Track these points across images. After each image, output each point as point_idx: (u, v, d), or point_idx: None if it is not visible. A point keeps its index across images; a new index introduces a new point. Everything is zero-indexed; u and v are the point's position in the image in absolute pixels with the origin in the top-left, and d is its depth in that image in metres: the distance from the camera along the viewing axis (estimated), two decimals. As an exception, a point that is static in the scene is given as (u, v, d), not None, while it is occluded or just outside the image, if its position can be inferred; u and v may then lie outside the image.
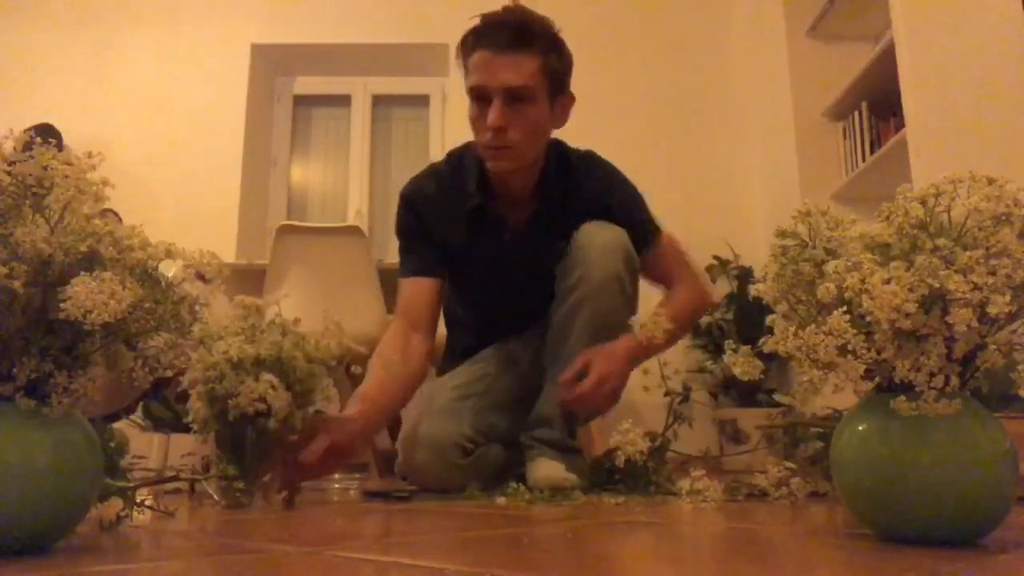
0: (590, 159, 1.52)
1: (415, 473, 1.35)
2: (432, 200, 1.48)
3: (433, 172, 1.53)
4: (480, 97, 1.37)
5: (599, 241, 1.38)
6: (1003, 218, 0.55)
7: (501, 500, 1.09)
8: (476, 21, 1.38)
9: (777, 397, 0.69)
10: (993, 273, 0.53)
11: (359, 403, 1.26)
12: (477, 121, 1.39)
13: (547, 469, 1.28)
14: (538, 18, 1.38)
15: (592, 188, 1.48)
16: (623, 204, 1.48)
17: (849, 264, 0.57)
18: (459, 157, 1.52)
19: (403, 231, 1.52)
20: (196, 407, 1.01)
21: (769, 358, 0.68)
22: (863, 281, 0.55)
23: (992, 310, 0.52)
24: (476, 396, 1.44)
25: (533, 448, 1.35)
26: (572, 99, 1.45)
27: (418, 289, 1.47)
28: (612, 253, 1.37)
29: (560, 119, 1.45)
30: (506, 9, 1.38)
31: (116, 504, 0.70)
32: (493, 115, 1.34)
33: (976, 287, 0.53)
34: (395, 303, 2.57)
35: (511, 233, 1.47)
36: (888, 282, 0.54)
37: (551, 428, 1.35)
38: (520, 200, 1.47)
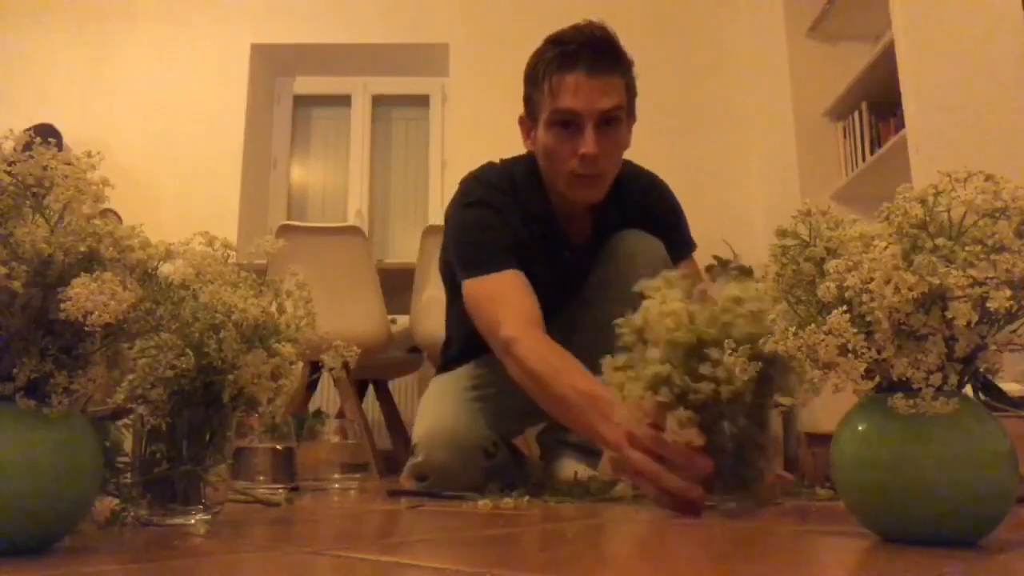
0: (631, 166, 1.47)
1: (435, 473, 1.31)
2: (502, 189, 1.38)
3: (492, 168, 1.44)
4: (567, 122, 1.28)
5: (642, 255, 1.33)
6: (1000, 213, 0.55)
7: (524, 500, 1.02)
8: (553, 38, 1.30)
9: (777, 397, 0.68)
10: (992, 267, 0.53)
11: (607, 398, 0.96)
12: (561, 148, 1.29)
13: (572, 469, 1.27)
14: (616, 35, 1.32)
15: (641, 196, 1.44)
16: (670, 213, 1.46)
17: (850, 263, 0.57)
18: (510, 169, 1.43)
19: (483, 220, 1.34)
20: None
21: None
22: (864, 282, 0.55)
23: (992, 304, 0.52)
24: (491, 398, 1.40)
25: (557, 448, 1.34)
26: (635, 120, 1.39)
27: (525, 283, 1.27)
28: (653, 266, 1.30)
29: (629, 140, 1.38)
30: (587, 27, 1.30)
31: (115, 503, 0.70)
32: (588, 143, 1.26)
33: (976, 282, 0.52)
34: (395, 304, 2.58)
35: (572, 250, 1.41)
36: (889, 282, 0.54)
37: (574, 432, 1.34)
38: (578, 217, 1.41)
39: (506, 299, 1.25)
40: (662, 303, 0.80)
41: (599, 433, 0.99)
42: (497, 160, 1.47)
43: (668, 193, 1.49)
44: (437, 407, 1.40)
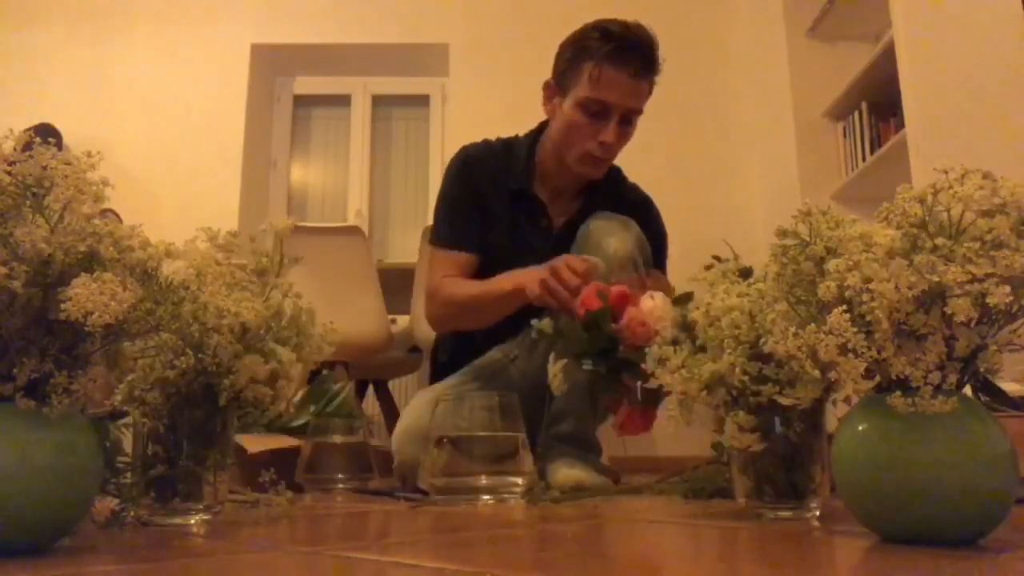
0: (634, 184, 1.63)
1: (408, 470, 1.33)
2: (485, 166, 1.54)
3: (487, 144, 1.60)
4: (597, 112, 1.43)
5: (612, 228, 1.42)
6: (998, 210, 0.55)
7: (523, 501, 1.03)
8: (607, 30, 1.42)
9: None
10: (992, 264, 0.53)
11: (512, 273, 1.37)
12: (583, 129, 1.44)
13: (569, 468, 1.27)
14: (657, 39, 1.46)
15: (631, 208, 1.54)
16: (656, 236, 1.55)
17: (850, 263, 0.57)
18: (511, 142, 1.59)
19: (455, 196, 1.55)
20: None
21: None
22: (866, 281, 0.55)
23: (992, 300, 0.52)
24: (475, 391, 1.42)
25: (552, 449, 1.33)
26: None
27: (468, 264, 1.51)
28: (625, 238, 1.40)
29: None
30: (637, 28, 1.43)
31: (115, 503, 0.70)
32: (610, 134, 1.43)
33: (975, 278, 0.52)
34: (395, 304, 2.58)
35: (549, 221, 1.53)
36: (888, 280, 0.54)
37: (569, 421, 1.34)
38: (565, 193, 1.55)
39: (447, 267, 1.51)
40: (724, 297, 0.74)
41: (517, 285, 1.31)
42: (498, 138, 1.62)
43: (659, 217, 1.62)
44: (412, 409, 1.45)
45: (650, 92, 1.47)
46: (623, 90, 1.41)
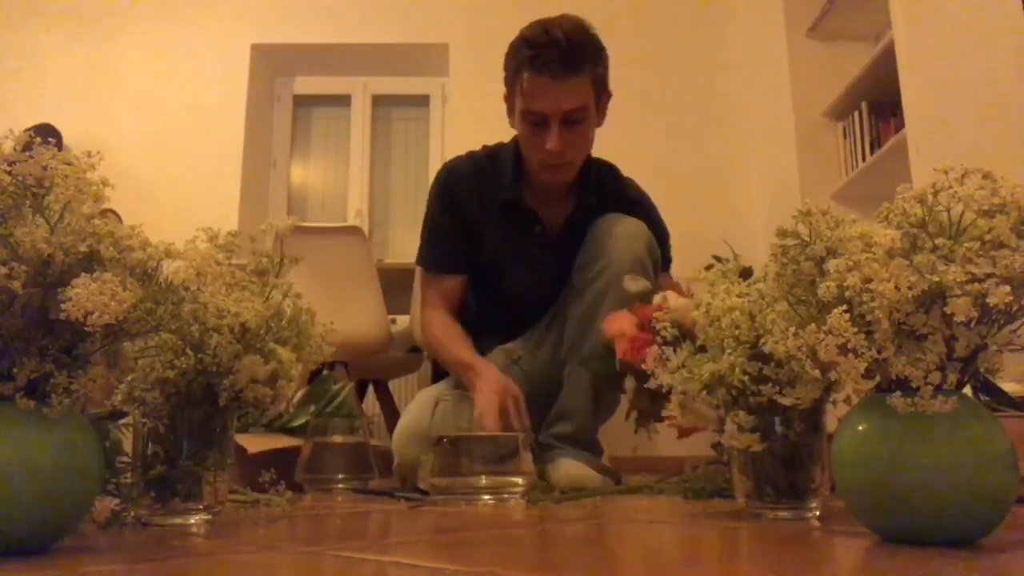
0: (628, 179, 1.60)
1: (408, 470, 1.34)
2: (469, 182, 1.51)
3: (470, 157, 1.57)
4: (536, 121, 1.39)
5: (621, 229, 1.41)
6: (997, 210, 0.55)
7: (523, 500, 1.04)
8: (526, 36, 1.36)
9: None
10: (992, 264, 0.53)
11: (478, 367, 1.35)
12: (531, 139, 1.42)
13: (570, 468, 1.27)
14: (584, 28, 1.37)
15: (627, 195, 1.54)
16: (659, 226, 1.53)
17: (850, 263, 0.57)
18: (496, 150, 1.56)
19: (436, 219, 1.53)
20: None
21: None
22: (866, 281, 0.55)
23: (992, 301, 0.52)
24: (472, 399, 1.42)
25: (553, 447, 1.34)
26: (610, 96, 1.47)
27: (455, 287, 1.52)
28: (635, 240, 1.39)
29: (602, 119, 1.48)
30: (557, 27, 1.35)
31: (115, 503, 0.70)
32: (553, 140, 1.37)
33: (975, 278, 0.52)
34: (395, 304, 2.58)
35: (543, 226, 1.51)
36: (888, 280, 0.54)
37: (571, 421, 1.34)
38: (555, 196, 1.51)
39: (439, 297, 1.52)
40: (724, 298, 0.74)
41: (473, 391, 1.31)
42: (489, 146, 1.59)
43: (659, 216, 1.58)
44: (412, 409, 1.46)
45: (595, 84, 1.38)
46: (550, 95, 1.35)
